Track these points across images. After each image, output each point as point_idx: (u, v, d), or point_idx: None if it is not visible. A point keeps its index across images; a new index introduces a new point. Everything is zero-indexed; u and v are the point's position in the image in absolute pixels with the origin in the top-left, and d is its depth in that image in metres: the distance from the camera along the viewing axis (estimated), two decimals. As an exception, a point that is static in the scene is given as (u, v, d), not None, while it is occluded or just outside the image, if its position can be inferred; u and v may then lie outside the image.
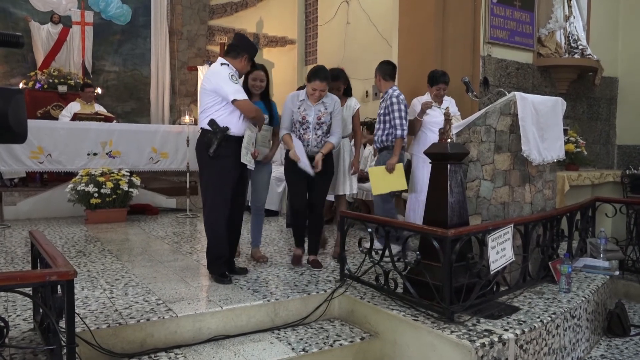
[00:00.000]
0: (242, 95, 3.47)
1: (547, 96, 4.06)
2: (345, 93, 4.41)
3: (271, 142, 4.14)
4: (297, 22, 9.73)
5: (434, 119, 4.44)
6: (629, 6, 7.82)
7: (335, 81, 4.20)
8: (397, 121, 4.27)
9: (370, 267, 3.37)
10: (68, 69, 9.35)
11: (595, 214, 4.77)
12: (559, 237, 3.99)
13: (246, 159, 3.57)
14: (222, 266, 3.56)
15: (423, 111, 4.50)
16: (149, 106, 10.40)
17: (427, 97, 4.62)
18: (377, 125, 4.51)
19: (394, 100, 4.30)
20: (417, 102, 4.62)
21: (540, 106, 3.71)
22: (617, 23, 7.91)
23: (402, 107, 4.31)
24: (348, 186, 4.35)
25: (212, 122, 3.43)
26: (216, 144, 3.40)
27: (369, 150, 6.07)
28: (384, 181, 4.23)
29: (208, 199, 3.54)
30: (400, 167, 4.26)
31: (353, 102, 4.43)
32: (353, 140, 4.50)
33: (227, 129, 3.43)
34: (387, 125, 4.37)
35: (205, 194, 3.56)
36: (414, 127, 4.57)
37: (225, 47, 3.81)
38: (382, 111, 4.44)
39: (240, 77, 3.61)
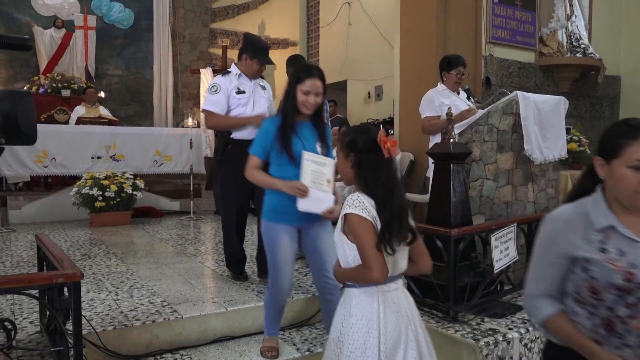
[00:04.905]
0: (207, 106, 3.45)
1: (550, 95, 4.07)
2: None
3: (331, 183, 2.49)
4: (298, 23, 9.76)
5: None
6: (632, 4, 7.81)
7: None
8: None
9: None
10: (71, 73, 9.39)
11: (598, 213, 4.75)
12: (562, 236, 3.98)
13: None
14: (236, 265, 3.64)
15: (463, 117, 3.73)
16: (152, 109, 10.44)
17: (442, 87, 4.06)
18: None
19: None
20: (435, 95, 3.99)
21: (542, 105, 3.71)
22: (620, 21, 7.90)
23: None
24: None
25: None
26: (222, 149, 3.42)
27: None
28: None
29: (219, 204, 3.57)
30: None
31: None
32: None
33: (229, 133, 3.43)
34: None
35: (218, 198, 3.59)
36: (438, 126, 3.73)
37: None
38: None
39: (253, 77, 3.52)
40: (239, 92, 3.47)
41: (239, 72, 3.52)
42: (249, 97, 3.49)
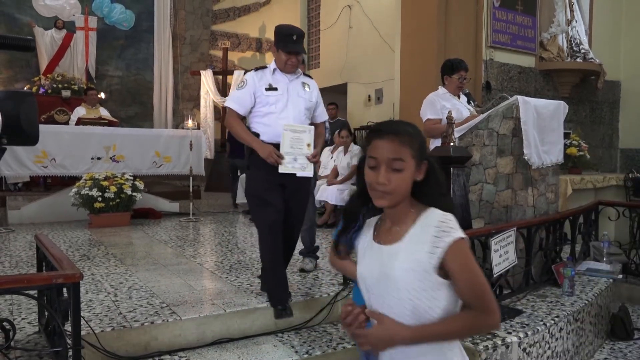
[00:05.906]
0: (228, 102, 3.23)
1: (549, 100, 4.07)
2: None
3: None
4: (299, 26, 9.78)
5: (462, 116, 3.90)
6: (632, 10, 7.85)
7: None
8: (327, 124, 4.05)
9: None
10: (72, 74, 9.41)
11: (598, 218, 4.77)
12: (562, 240, 4.00)
13: (288, 167, 3.02)
14: (274, 294, 3.08)
15: (466, 122, 3.77)
16: (152, 111, 10.46)
17: (443, 91, 4.00)
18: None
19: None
20: (436, 98, 3.96)
21: (542, 110, 3.72)
22: (620, 26, 7.93)
23: None
24: None
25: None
26: (249, 152, 3.15)
27: None
28: None
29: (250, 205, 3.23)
30: None
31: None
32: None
33: (257, 135, 3.15)
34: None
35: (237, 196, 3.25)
36: (440, 129, 3.69)
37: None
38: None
39: (288, 72, 3.16)
40: (270, 88, 3.13)
41: (274, 67, 3.17)
42: (280, 95, 3.12)
